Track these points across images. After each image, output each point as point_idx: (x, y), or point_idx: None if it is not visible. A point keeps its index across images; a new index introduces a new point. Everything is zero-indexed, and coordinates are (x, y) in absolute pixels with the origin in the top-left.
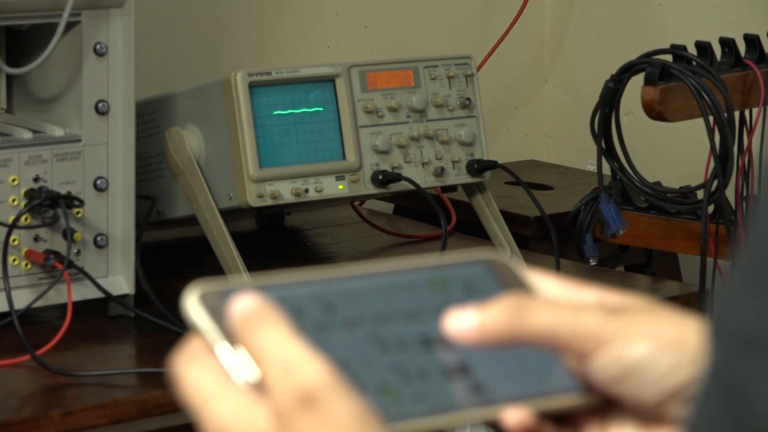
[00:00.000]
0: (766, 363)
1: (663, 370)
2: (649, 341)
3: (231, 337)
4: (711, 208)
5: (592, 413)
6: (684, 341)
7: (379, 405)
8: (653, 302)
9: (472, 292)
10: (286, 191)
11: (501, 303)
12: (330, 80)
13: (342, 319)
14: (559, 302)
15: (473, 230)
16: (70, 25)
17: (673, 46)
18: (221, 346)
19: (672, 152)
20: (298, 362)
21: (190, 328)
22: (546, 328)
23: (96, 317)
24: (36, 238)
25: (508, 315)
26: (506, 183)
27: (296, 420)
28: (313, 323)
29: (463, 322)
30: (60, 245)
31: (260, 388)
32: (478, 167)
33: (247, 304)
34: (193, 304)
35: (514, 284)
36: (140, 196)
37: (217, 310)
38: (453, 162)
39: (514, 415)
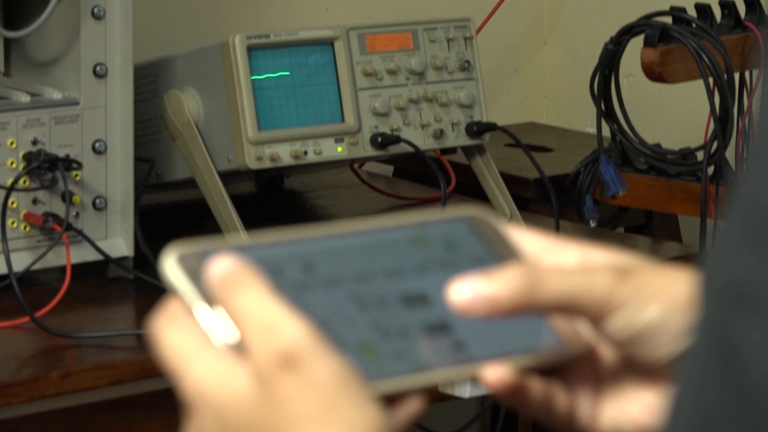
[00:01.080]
0: (758, 319)
1: (676, 331)
2: (661, 302)
3: (210, 298)
4: (711, 170)
5: (586, 371)
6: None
7: (360, 364)
8: (653, 261)
9: (454, 250)
10: (285, 154)
11: (510, 272)
12: (329, 43)
13: (322, 279)
14: (568, 267)
15: (473, 192)
16: None
17: (672, 8)
18: (200, 307)
19: (672, 114)
20: (277, 323)
21: (168, 290)
22: (559, 296)
23: (95, 279)
24: (35, 201)
25: (519, 285)
26: (506, 145)
27: (277, 381)
28: (292, 283)
29: (470, 293)
30: (59, 208)
31: (240, 349)
32: (477, 129)
33: (224, 266)
34: (171, 265)
35: (496, 241)
36: (139, 159)
37: (195, 271)
38: (452, 124)
39: (494, 372)
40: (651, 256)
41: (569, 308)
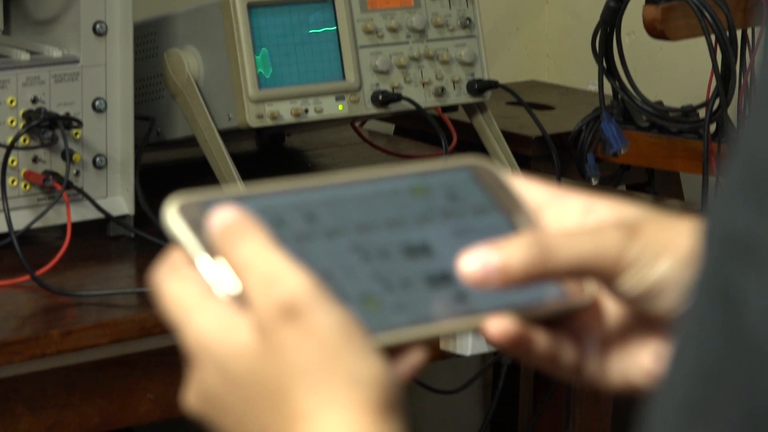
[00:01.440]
0: (759, 271)
1: (686, 283)
2: (670, 256)
3: (212, 249)
4: (713, 127)
5: (593, 322)
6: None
7: (362, 315)
8: (657, 212)
9: (456, 200)
10: (285, 112)
11: (520, 242)
12: (329, 0)
13: (323, 229)
14: (576, 230)
15: (474, 150)
16: None
17: None
18: (201, 258)
19: (673, 71)
20: (278, 274)
21: (170, 241)
22: (571, 262)
23: (96, 238)
24: (35, 160)
25: (531, 255)
26: (507, 103)
27: (278, 332)
28: (294, 233)
29: (480, 264)
30: (59, 166)
31: (242, 301)
32: (478, 87)
33: (226, 216)
34: (172, 215)
35: (499, 191)
36: (139, 117)
37: (197, 221)
38: (453, 82)
39: (497, 323)
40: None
41: (581, 272)
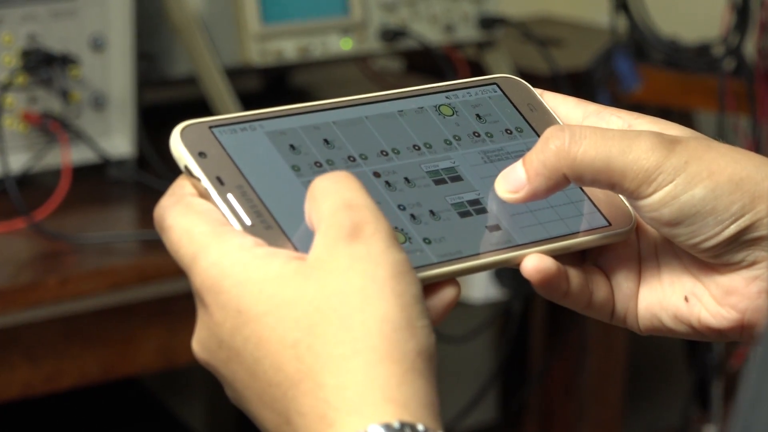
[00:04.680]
0: None
1: (722, 213)
2: (708, 181)
3: (224, 175)
4: (730, 64)
5: (628, 256)
6: (747, 180)
7: None
8: (704, 136)
9: (486, 118)
10: (290, 50)
11: (541, 139)
12: None
13: (343, 155)
14: (607, 129)
15: None
16: None
17: None
18: (217, 188)
19: (689, 5)
20: (357, 203)
21: (182, 170)
22: (599, 162)
23: (96, 182)
24: (33, 100)
25: (548, 147)
26: (518, 39)
27: (338, 250)
28: (311, 160)
29: (511, 177)
30: (58, 107)
31: (259, 234)
32: (488, 22)
33: None
34: (180, 141)
35: (532, 107)
36: (140, 56)
37: (208, 149)
38: (462, 17)
39: (534, 260)
40: None
41: (609, 178)
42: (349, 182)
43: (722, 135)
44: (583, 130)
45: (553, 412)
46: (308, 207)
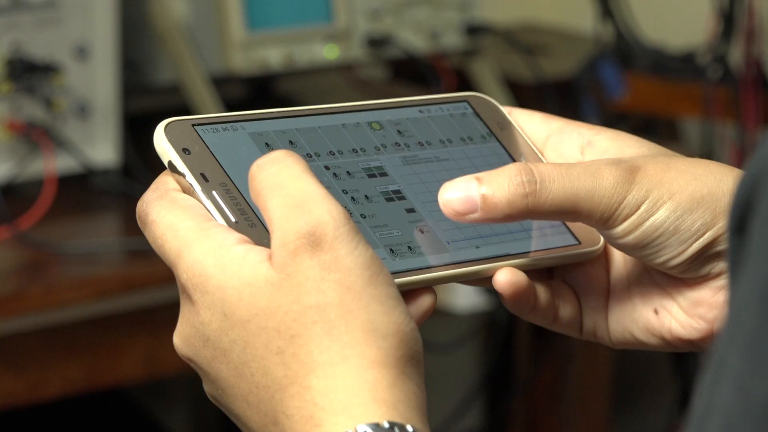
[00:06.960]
0: None
1: (686, 232)
2: (670, 203)
3: (210, 174)
4: (716, 71)
5: (597, 276)
6: (708, 197)
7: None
8: (664, 150)
9: (455, 132)
10: (275, 58)
11: (507, 171)
12: None
13: (304, 152)
14: (570, 164)
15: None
16: None
17: None
18: (201, 184)
19: (674, 12)
20: (308, 199)
21: (165, 165)
22: (562, 200)
23: (80, 190)
24: (17, 109)
25: (517, 186)
26: (503, 47)
27: (298, 261)
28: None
29: (462, 193)
30: (42, 116)
31: (243, 230)
32: (473, 30)
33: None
34: (163, 138)
35: (499, 124)
36: (124, 63)
37: (190, 145)
38: (447, 25)
39: (505, 273)
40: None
41: (573, 212)
42: (289, 161)
43: (708, 143)
44: (551, 173)
45: (539, 419)
46: (254, 198)
